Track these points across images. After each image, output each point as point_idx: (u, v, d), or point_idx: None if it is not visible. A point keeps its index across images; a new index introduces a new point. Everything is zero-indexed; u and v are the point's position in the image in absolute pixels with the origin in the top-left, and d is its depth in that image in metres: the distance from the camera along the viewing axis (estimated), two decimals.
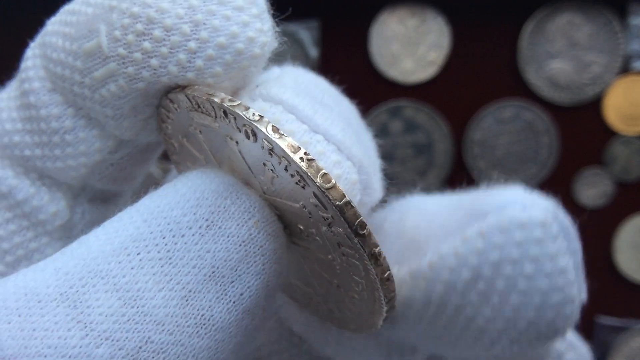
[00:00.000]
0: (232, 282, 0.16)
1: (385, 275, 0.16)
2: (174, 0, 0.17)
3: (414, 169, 0.65)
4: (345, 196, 0.15)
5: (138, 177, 0.22)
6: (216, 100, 0.16)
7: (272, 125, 0.15)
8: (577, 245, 0.19)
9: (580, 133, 0.66)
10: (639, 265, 0.67)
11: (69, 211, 0.21)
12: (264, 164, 0.16)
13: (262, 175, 0.17)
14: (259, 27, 0.17)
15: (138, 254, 0.16)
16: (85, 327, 0.14)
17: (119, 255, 0.15)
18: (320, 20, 0.63)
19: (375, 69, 0.64)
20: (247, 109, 0.16)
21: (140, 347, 0.15)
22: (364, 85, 0.64)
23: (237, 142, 0.17)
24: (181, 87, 0.17)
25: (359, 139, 0.19)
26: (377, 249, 0.16)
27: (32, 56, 0.20)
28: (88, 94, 0.18)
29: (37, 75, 0.19)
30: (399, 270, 0.19)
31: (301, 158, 0.15)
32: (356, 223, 0.15)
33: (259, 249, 0.17)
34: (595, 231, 0.67)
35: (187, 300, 0.15)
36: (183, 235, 0.16)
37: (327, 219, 0.16)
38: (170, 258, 0.16)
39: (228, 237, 0.16)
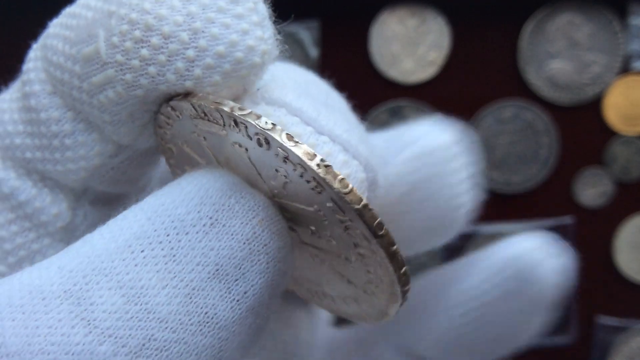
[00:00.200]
0: (236, 280, 0.16)
1: (402, 271, 0.16)
2: (172, 7, 0.16)
3: None
4: (362, 199, 0.15)
5: (140, 180, 0.22)
6: (226, 109, 0.16)
7: (287, 134, 0.15)
8: (474, 160, 0.25)
9: (580, 133, 0.66)
10: (639, 265, 0.67)
11: (71, 213, 0.21)
12: (277, 170, 0.16)
13: (274, 180, 0.17)
14: (260, 35, 0.17)
15: (142, 251, 0.16)
16: (89, 324, 0.15)
17: (122, 253, 0.15)
18: (320, 20, 0.63)
19: (375, 69, 0.64)
20: (259, 117, 0.16)
21: (143, 345, 0.15)
22: (364, 85, 0.64)
23: (246, 149, 0.17)
24: (183, 95, 0.17)
25: (361, 136, 0.19)
26: (394, 247, 0.16)
27: (34, 58, 0.20)
28: (86, 98, 0.18)
29: (38, 78, 0.19)
30: None
31: (318, 165, 0.15)
32: (375, 224, 0.15)
33: (263, 247, 0.17)
34: (595, 231, 0.67)
35: (190, 298, 0.15)
36: (187, 233, 0.16)
37: (344, 221, 0.16)
38: (174, 256, 0.16)
39: (232, 235, 0.16)
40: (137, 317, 0.15)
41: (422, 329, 0.27)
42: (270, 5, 0.18)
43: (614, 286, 0.68)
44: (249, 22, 0.17)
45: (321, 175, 0.15)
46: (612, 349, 0.68)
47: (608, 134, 0.66)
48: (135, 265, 0.15)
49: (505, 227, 0.67)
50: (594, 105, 0.65)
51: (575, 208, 0.67)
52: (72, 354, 0.14)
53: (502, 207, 0.67)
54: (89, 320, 0.15)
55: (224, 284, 0.16)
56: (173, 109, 0.18)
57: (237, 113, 0.16)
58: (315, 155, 0.15)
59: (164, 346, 0.15)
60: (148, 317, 0.15)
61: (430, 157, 0.24)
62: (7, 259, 0.20)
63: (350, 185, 0.15)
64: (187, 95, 0.17)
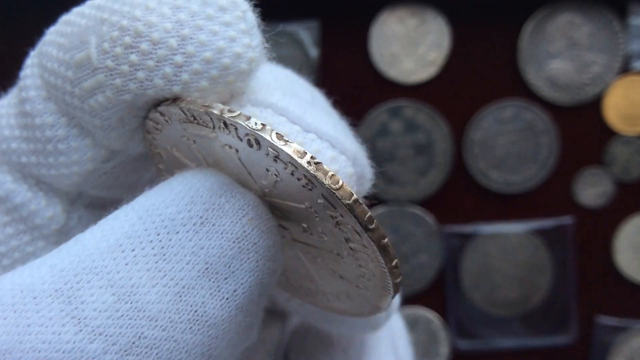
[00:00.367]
0: (226, 278, 0.16)
1: (393, 264, 0.17)
2: (162, 15, 0.17)
3: (414, 169, 0.66)
4: (353, 194, 0.16)
5: (133, 186, 0.22)
6: (215, 112, 0.16)
7: (276, 133, 0.16)
8: None
9: (580, 133, 0.66)
10: (639, 265, 0.67)
11: (65, 216, 0.21)
12: (267, 170, 0.17)
13: (264, 179, 0.17)
14: (247, 42, 0.17)
15: (132, 250, 0.16)
16: (79, 322, 0.15)
17: (113, 252, 0.16)
18: (320, 20, 0.63)
19: (375, 69, 0.64)
20: (249, 118, 0.16)
21: (133, 343, 0.15)
22: (364, 85, 0.64)
23: (236, 151, 0.17)
24: (171, 101, 0.17)
25: (347, 132, 0.19)
26: (385, 240, 0.16)
27: (31, 65, 0.20)
28: (78, 104, 0.18)
29: (34, 84, 0.20)
30: None
31: (308, 162, 0.15)
32: (365, 219, 0.16)
33: (252, 246, 0.17)
34: (595, 231, 0.67)
35: (180, 297, 0.16)
36: (177, 232, 0.16)
37: (336, 217, 0.16)
38: (164, 254, 0.16)
39: (222, 234, 0.17)
40: (127, 316, 0.15)
41: None
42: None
43: (614, 286, 0.68)
44: (237, 30, 0.17)
45: (312, 172, 0.15)
46: (612, 349, 0.68)
47: (608, 134, 0.66)
48: (126, 264, 0.15)
49: (505, 227, 0.67)
50: (594, 105, 0.65)
51: (575, 208, 0.67)
52: (63, 352, 0.14)
53: (502, 207, 0.67)
54: (79, 319, 0.15)
55: (214, 282, 0.16)
56: (161, 114, 0.18)
57: (226, 115, 0.16)
58: (305, 153, 0.15)
59: (154, 344, 0.15)
60: (138, 316, 0.15)
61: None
62: (1, 261, 0.20)
63: (341, 181, 0.15)
64: (175, 100, 0.17)
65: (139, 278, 0.15)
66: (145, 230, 0.16)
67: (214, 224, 0.17)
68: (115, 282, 0.15)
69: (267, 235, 0.17)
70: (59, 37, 0.19)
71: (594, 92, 0.65)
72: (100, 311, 0.15)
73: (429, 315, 0.68)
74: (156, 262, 0.16)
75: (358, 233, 0.16)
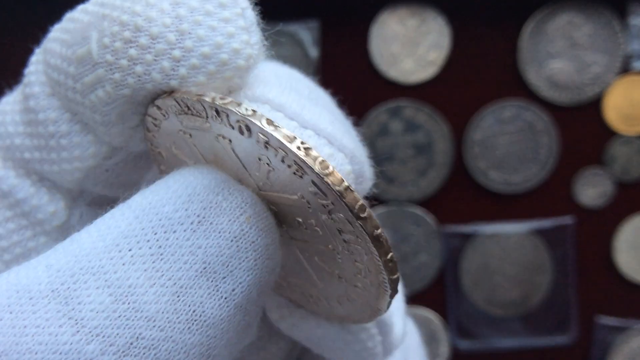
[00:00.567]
0: (224, 277, 0.16)
1: (388, 257, 0.16)
2: (162, 10, 0.17)
3: (414, 169, 0.65)
4: (344, 181, 0.15)
5: (134, 184, 0.22)
6: (207, 99, 0.16)
7: (267, 118, 0.15)
8: None
9: (580, 133, 0.66)
10: (639, 265, 0.67)
11: (67, 212, 0.21)
12: (259, 159, 0.16)
13: (258, 171, 0.17)
14: (245, 39, 0.17)
15: (129, 250, 0.16)
16: (77, 323, 0.15)
17: (110, 252, 0.16)
18: (320, 20, 0.63)
19: (375, 69, 0.64)
20: (239, 104, 0.16)
21: (131, 343, 0.15)
22: (364, 85, 0.64)
23: (230, 141, 0.17)
24: (168, 94, 0.17)
25: (346, 129, 0.19)
26: (378, 231, 0.16)
27: (36, 61, 0.20)
28: (79, 99, 0.18)
29: (38, 80, 0.20)
30: None
31: (298, 147, 0.15)
32: (357, 206, 0.15)
33: (250, 245, 0.17)
34: (595, 231, 0.67)
35: (178, 296, 0.16)
36: (174, 231, 0.16)
37: (327, 206, 0.16)
38: (161, 254, 0.16)
39: (220, 232, 0.16)
40: (124, 316, 0.15)
41: None
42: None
43: (614, 286, 0.68)
44: (236, 26, 0.17)
45: (301, 156, 0.15)
46: (612, 349, 0.68)
47: (608, 134, 0.66)
48: (123, 264, 0.15)
49: (505, 227, 0.67)
50: (594, 105, 0.65)
51: (575, 208, 0.67)
52: (60, 353, 0.14)
53: (502, 207, 0.67)
54: (76, 320, 0.15)
55: (212, 281, 0.16)
56: (158, 107, 0.18)
57: (218, 102, 0.16)
58: (295, 138, 0.15)
59: (152, 344, 0.15)
60: (136, 316, 0.15)
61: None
62: (3, 256, 0.20)
63: (331, 167, 0.15)
64: (171, 93, 0.17)
65: (136, 278, 0.15)
66: (142, 229, 0.16)
67: (211, 223, 0.16)
68: (112, 282, 0.15)
69: (265, 233, 0.17)
70: (62, 33, 0.19)
71: (594, 92, 0.65)
72: (97, 312, 0.15)
73: (429, 315, 0.68)
74: (153, 262, 0.16)
75: (350, 222, 0.16)
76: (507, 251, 0.67)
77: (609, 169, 0.66)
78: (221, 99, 0.16)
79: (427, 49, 0.64)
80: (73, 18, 0.19)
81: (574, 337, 0.68)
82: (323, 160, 0.15)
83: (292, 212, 0.17)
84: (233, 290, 0.16)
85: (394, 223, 0.66)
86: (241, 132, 0.16)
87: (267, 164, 0.16)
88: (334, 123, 0.18)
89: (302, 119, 0.18)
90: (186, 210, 0.16)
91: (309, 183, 0.16)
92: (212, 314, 0.16)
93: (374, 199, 0.19)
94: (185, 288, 0.16)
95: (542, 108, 0.65)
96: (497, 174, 0.66)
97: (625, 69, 0.64)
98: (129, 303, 0.15)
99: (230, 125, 0.16)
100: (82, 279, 0.15)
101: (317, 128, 0.18)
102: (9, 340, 0.14)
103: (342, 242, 0.17)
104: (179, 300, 0.16)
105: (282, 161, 0.16)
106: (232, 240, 0.17)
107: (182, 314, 0.16)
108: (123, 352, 0.15)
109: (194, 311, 0.16)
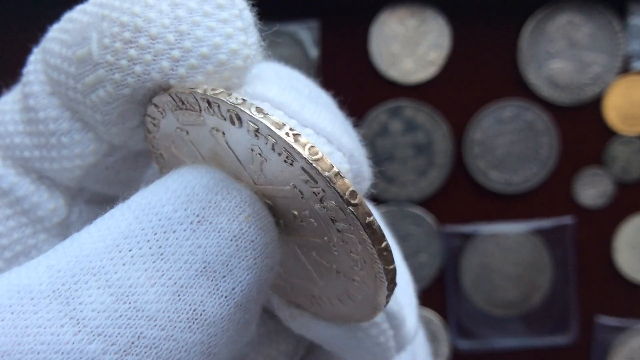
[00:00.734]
0: (224, 276, 0.16)
1: (382, 246, 0.16)
2: (161, 11, 0.17)
3: (414, 169, 0.66)
4: (333, 167, 0.15)
5: (133, 182, 0.23)
6: (199, 91, 0.17)
7: (256, 106, 0.16)
8: None
9: (580, 133, 0.66)
10: (639, 265, 0.67)
11: (67, 209, 0.21)
12: (252, 149, 0.16)
13: (251, 163, 0.17)
14: (243, 40, 0.18)
15: (130, 250, 0.16)
16: (78, 323, 0.15)
17: (110, 252, 0.16)
18: (320, 20, 0.63)
19: (375, 69, 0.64)
20: (230, 94, 0.16)
21: (132, 343, 0.15)
22: (364, 85, 0.64)
23: (223, 133, 0.17)
24: (164, 90, 0.18)
25: (346, 129, 0.19)
26: (371, 218, 0.16)
27: (34, 61, 0.20)
28: (80, 98, 0.19)
29: (37, 79, 0.20)
30: None
31: (287, 133, 0.15)
32: (347, 192, 0.15)
33: (250, 244, 0.17)
34: (595, 231, 0.67)
35: (179, 296, 0.16)
36: (174, 231, 0.16)
37: (318, 193, 0.16)
38: (161, 254, 0.16)
39: (219, 232, 0.17)
40: (126, 316, 0.15)
41: None
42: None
43: (614, 286, 0.68)
44: (234, 27, 0.18)
45: (289, 142, 0.15)
46: (612, 349, 0.68)
47: (608, 134, 0.66)
48: (124, 264, 0.15)
49: (505, 227, 0.67)
50: (594, 105, 0.65)
51: (575, 208, 0.67)
52: (62, 353, 0.14)
53: (502, 207, 0.67)
54: (78, 320, 0.15)
55: (212, 281, 0.16)
56: (156, 106, 0.18)
57: (209, 93, 0.16)
58: (284, 125, 0.15)
59: (154, 343, 0.15)
60: (137, 315, 0.15)
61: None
62: (3, 253, 0.21)
63: (320, 153, 0.15)
64: (166, 90, 0.18)
65: (137, 278, 0.15)
66: (142, 229, 0.16)
67: (210, 222, 0.17)
68: (113, 282, 0.15)
69: (264, 232, 0.17)
70: (61, 34, 0.19)
71: (594, 92, 0.65)
72: (98, 312, 0.15)
73: (429, 315, 0.68)
74: (154, 262, 0.16)
75: (342, 210, 0.16)
76: (507, 251, 0.67)
77: (609, 169, 0.66)
78: (212, 90, 0.16)
79: (427, 49, 0.64)
80: (72, 18, 0.19)
81: (574, 337, 0.68)
82: (312, 146, 0.15)
83: (288, 205, 0.17)
84: (233, 289, 0.17)
85: (394, 223, 0.66)
86: (232, 122, 0.16)
87: (259, 154, 0.16)
88: (334, 122, 0.19)
89: (301, 117, 0.18)
90: (185, 210, 0.16)
91: (299, 171, 0.16)
92: (212, 312, 0.16)
93: (374, 199, 0.19)
94: (186, 287, 0.16)
95: (542, 108, 0.65)
96: (497, 174, 0.66)
97: (625, 69, 0.64)
98: (130, 303, 0.15)
99: (222, 116, 0.16)
100: (83, 279, 0.15)
101: (316, 127, 0.18)
102: (10, 341, 0.14)
103: (336, 232, 0.17)
104: (180, 299, 0.16)
105: (273, 149, 0.16)
106: (231, 240, 0.17)
107: (182, 313, 0.16)
108: (124, 351, 0.15)
109: (194, 310, 0.16)
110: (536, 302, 0.68)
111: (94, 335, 0.15)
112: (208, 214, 0.17)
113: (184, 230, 0.16)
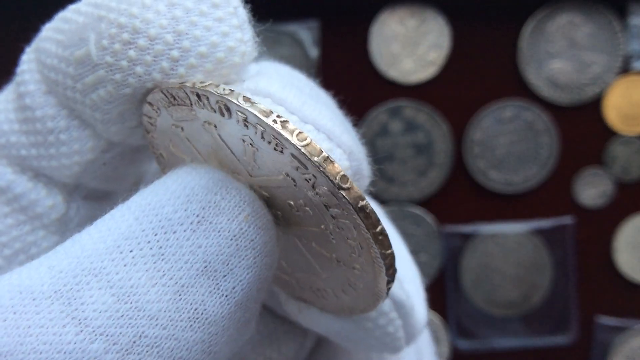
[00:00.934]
0: (224, 276, 0.17)
1: (377, 230, 0.16)
2: (158, 12, 0.17)
3: (414, 169, 0.66)
4: (322, 151, 0.15)
5: (130, 178, 0.23)
6: (188, 85, 0.17)
7: (243, 96, 0.16)
8: None
9: (580, 133, 0.66)
10: (639, 265, 0.67)
11: (65, 205, 0.21)
12: (243, 140, 0.17)
13: (244, 155, 0.17)
14: (239, 37, 0.18)
15: (131, 251, 0.16)
16: (80, 323, 0.15)
17: (111, 253, 0.16)
18: (320, 20, 0.63)
19: (375, 69, 0.64)
20: (217, 86, 0.16)
21: (134, 342, 0.15)
22: (364, 85, 0.64)
23: (215, 126, 0.17)
24: (156, 88, 0.18)
25: (345, 127, 0.19)
26: (363, 202, 0.16)
27: (28, 60, 0.21)
28: (79, 98, 0.19)
29: (32, 79, 0.20)
30: None
31: (274, 120, 0.15)
32: (338, 177, 0.15)
33: (249, 243, 0.17)
34: (595, 231, 0.67)
35: (180, 295, 0.16)
36: (175, 232, 0.16)
37: (310, 179, 0.16)
38: (162, 254, 0.16)
39: (219, 232, 0.17)
40: (127, 315, 0.15)
41: None
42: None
43: (613, 286, 0.68)
44: (229, 25, 0.18)
45: (277, 129, 0.15)
46: (612, 349, 0.68)
47: (608, 134, 0.66)
48: (125, 265, 0.16)
49: (505, 227, 0.67)
50: (594, 105, 0.65)
51: (575, 208, 0.67)
52: (64, 353, 0.14)
53: (502, 207, 0.67)
54: (79, 320, 0.15)
55: (213, 280, 0.16)
56: (150, 104, 0.18)
57: (197, 86, 0.16)
58: (271, 112, 0.15)
59: (155, 343, 0.15)
60: (138, 315, 0.15)
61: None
62: (3, 251, 0.21)
63: (309, 139, 0.15)
64: (158, 86, 0.18)
65: (138, 279, 0.15)
66: (143, 230, 0.16)
67: (210, 222, 0.17)
68: (114, 283, 0.15)
69: (263, 231, 0.18)
70: (56, 33, 0.19)
71: (594, 92, 0.65)
72: (100, 312, 0.15)
73: (429, 315, 0.68)
74: (155, 263, 0.16)
75: (333, 195, 0.16)
76: (507, 251, 0.67)
77: (609, 169, 0.66)
78: (201, 83, 0.17)
79: (427, 49, 0.64)
80: (66, 18, 0.19)
81: (574, 337, 0.68)
82: (300, 132, 0.15)
83: (283, 195, 0.18)
84: (233, 288, 0.17)
85: (394, 223, 0.66)
86: (222, 114, 0.16)
87: (251, 144, 0.16)
88: (334, 120, 0.19)
89: (302, 113, 0.18)
90: (185, 210, 0.17)
91: (289, 158, 0.16)
92: (213, 311, 0.16)
93: (374, 199, 0.19)
94: (187, 287, 0.16)
95: (542, 108, 0.65)
96: (497, 174, 0.66)
97: (625, 69, 0.64)
98: (131, 302, 0.15)
99: (212, 108, 0.16)
100: (85, 280, 0.15)
101: (316, 123, 0.18)
102: (13, 341, 0.14)
103: (331, 219, 0.17)
104: (181, 299, 0.16)
105: (262, 137, 0.16)
106: (231, 239, 0.17)
107: (184, 313, 0.16)
108: (126, 350, 0.15)
109: (195, 309, 0.16)
110: (536, 302, 0.68)
111: (95, 335, 0.15)
112: (208, 214, 0.17)
113: (184, 231, 0.16)
